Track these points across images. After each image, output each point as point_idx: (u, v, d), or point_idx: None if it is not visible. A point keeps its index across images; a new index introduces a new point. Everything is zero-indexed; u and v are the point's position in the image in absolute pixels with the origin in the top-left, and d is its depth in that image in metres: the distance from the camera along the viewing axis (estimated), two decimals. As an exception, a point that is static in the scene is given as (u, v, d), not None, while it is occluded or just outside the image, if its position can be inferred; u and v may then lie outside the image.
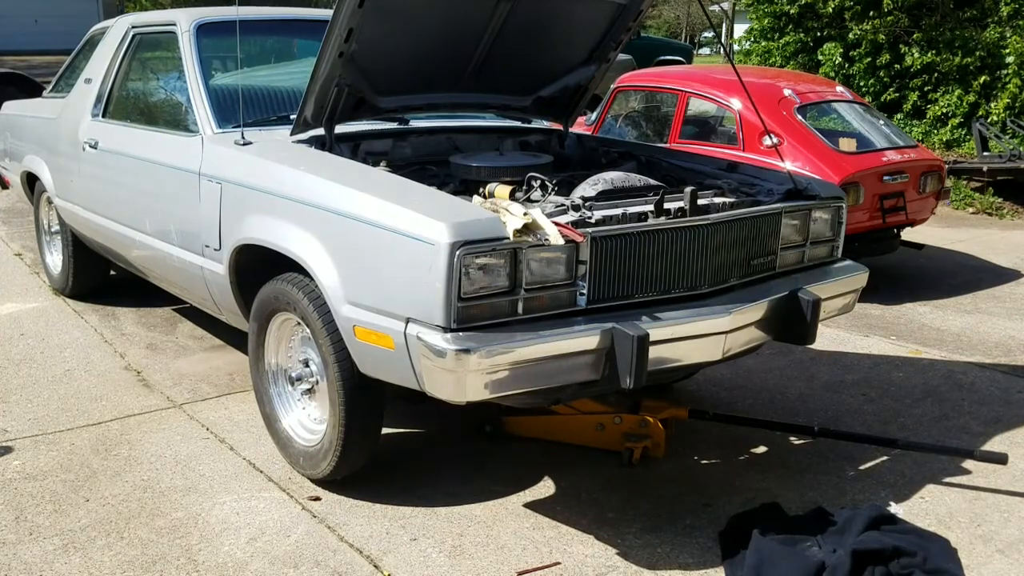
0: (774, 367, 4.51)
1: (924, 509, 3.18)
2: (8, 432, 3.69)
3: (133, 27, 4.74)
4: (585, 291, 2.77)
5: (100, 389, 4.15)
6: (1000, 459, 3.34)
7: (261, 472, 3.37)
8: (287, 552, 2.86)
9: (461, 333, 2.56)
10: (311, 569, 2.77)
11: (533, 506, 3.16)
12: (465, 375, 2.53)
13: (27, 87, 10.46)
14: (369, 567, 2.79)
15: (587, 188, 3.30)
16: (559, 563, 2.82)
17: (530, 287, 2.68)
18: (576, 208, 2.90)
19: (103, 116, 4.69)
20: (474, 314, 2.59)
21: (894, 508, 3.13)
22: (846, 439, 3.55)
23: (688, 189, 3.01)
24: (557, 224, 2.68)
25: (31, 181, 5.66)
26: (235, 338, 4.73)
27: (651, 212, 2.92)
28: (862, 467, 3.49)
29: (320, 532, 2.98)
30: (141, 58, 4.70)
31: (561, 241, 2.64)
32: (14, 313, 5.25)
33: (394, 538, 2.95)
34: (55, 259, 5.63)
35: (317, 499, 3.17)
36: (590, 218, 2.82)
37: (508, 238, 2.59)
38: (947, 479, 3.40)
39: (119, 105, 4.68)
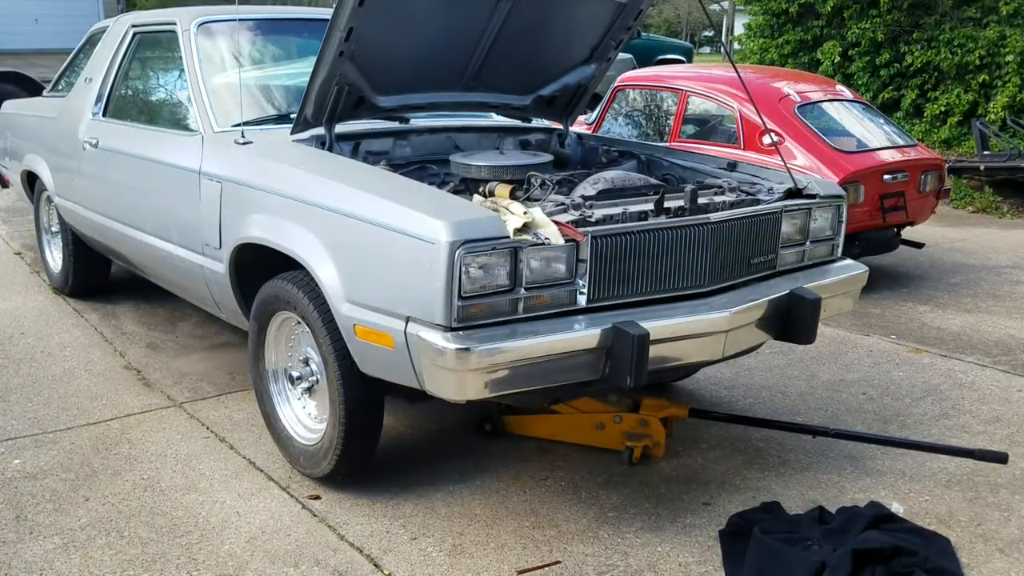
0: (774, 366, 4.51)
1: (924, 508, 3.18)
2: (8, 431, 3.69)
3: (133, 26, 4.74)
4: (585, 290, 2.77)
5: (100, 388, 4.15)
6: (1000, 458, 3.34)
7: (261, 471, 3.37)
8: (287, 551, 2.86)
9: (461, 332, 2.56)
10: (311, 568, 2.77)
11: (533, 505, 3.16)
12: (465, 374, 2.53)
13: (27, 86, 10.47)
14: (369, 566, 2.79)
15: (587, 187, 3.29)
16: (559, 562, 2.82)
17: (530, 286, 2.68)
18: (576, 207, 2.89)
19: (103, 115, 4.70)
20: (474, 313, 2.59)
21: (895, 507, 3.13)
22: (846, 438, 3.55)
23: (688, 188, 3.01)
24: (557, 223, 2.68)
25: (31, 180, 5.66)
26: (235, 337, 4.73)
27: (651, 211, 2.92)
28: (862, 466, 3.49)
29: (320, 531, 2.98)
30: (141, 57, 4.70)
31: (561, 240, 2.64)
32: (14, 312, 5.25)
33: (394, 537, 2.95)
34: (55, 258, 5.63)
35: (317, 498, 3.17)
36: (590, 217, 2.81)
37: (508, 237, 2.59)
38: (947, 478, 3.40)
39: (119, 104, 4.69)
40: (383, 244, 2.72)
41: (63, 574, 2.74)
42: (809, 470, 3.45)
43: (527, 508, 3.14)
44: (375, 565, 2.79)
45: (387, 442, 3.51)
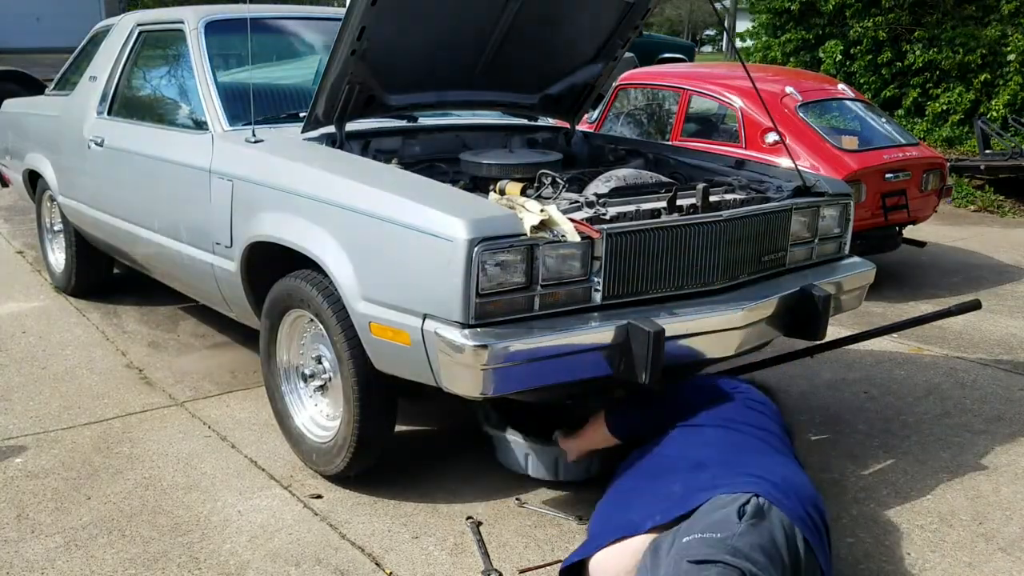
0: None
1: (926, 507, 3.18)
2: (10, 430, 3.69)
3: (139, 25, 4.74)
4: (600, 287, 2.78)
5: (102, 387, 4.15)
6: (974, 306, 3.63)
7: (263, 470, 3.37)
8: (289, 550, 2.86)
9: (479, 329, 2.57)
10: (313, 567, 2.77)
11: (534, 504, 3.16)
12: (483, 370, 2.54)
13: (29, 85, 10.46)
14: (371, 565, 2.79)
15: (600, 185, 3.31)
16: (561, 561, 2.82)
17: (546, 283, 2.69)
18: (590, 205, 2.91)
19: (109, 114, 4.69)
20: (491, 310, 2.60)
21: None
22: (843, 344, 3.73)
23: (700, 186, 3.03)
24: (573, 220, 2.69)
25: (33, 179, 5.65)
26: (237, 335, 4.73)
27: (664, 209, 2.93)
28: (863, 465, 3.49)
29: (322, 530, 2.98)
30: (148, 56, 4.70)
31: (578, 238, 2.65)
32: (16, 311, 5.25)
33: (396, 536, 2.95)
34: (57, 257, 5.62)
35: (319, 497, 3.17)
36: (604, 215, 2.83)
37: (525, 235, 2.60)
38: (949, 476, 3.40)
39: (125, 103, 4.68)
40: (400, 242, 2.72)
41: (65, 573, 2.74)
42: (810, 468, 3.43)
43: (528, 507, 3.14)
44: (376, 564, 2.79)
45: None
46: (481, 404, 3.31)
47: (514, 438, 3.22)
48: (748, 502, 2.32)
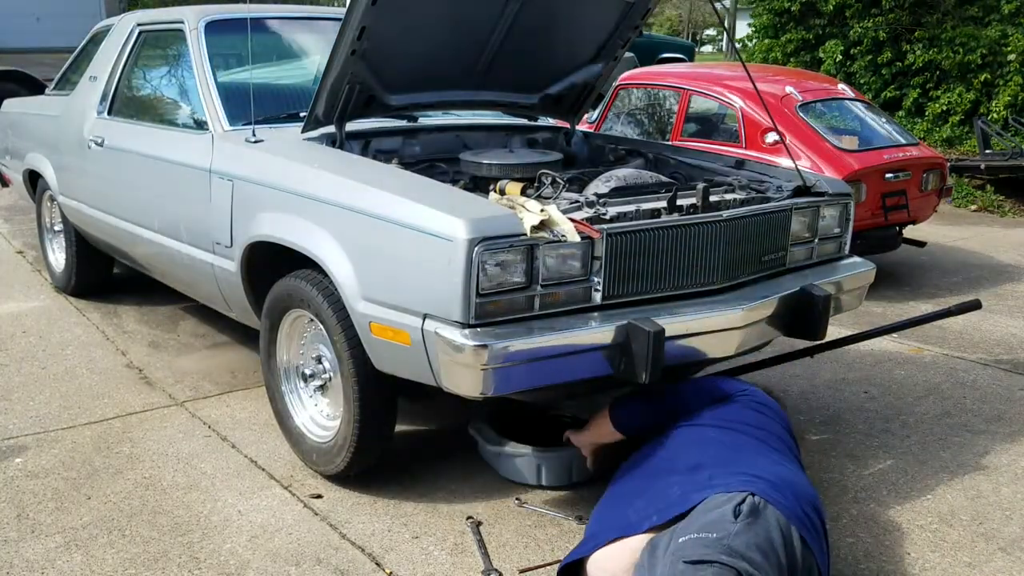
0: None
1: (926, 507, 3.18)
2: (10, 430, 3.69)
3: (139, 25, 4.74)
4: (600, 287, 2.78)
5: (102, 387, 4.15)
6: (974, 305, 3.67)
7: (263, 470, 3.37)
8: (289, 550, 2.86)
9: (479, 329, 2.58)
10: (313, 567, 2.77)
11: (534, 503, 3.16)
12: (483, 370, 2.55)
13: (29, 85, 10.46)
14: (371, 564, 2.79)
15: (600, 185, 3.31)
16: (561, 560, 2.82)
17: (546, 283, 2.69)
18: (590, 204, 2.91)
19: (109, 114, 4.69)
20: (491, 310, 2.61)
21: None
22: (843, 344, 3.73)
23: (700, 186, 3.04)
24: (573, 220, 2.69)
25: (33, 179, 5.65)
26: (237, 335, 4.73)
27: (664, 208, 2.93)
28: (864, 464, 3.49)
29: (322, 530, 2.98)
30: (148, 56, 4.70)
31: (577, 238, 2.65)
32: (16, 311, 5.25)
33: (396, 536, 2.95)
34: (57, 257, 5.62)
35: (319, 497, 3.17)
36: (604, 215, 2.83)
37: (525, 234, 2.60)
38: (949, 476, 3.40)
39: (125, 103, 4.68)
40: (400, 242, 2.72)
41: (65, 573, 2.74)
42: (810, 468, 3.44)
43: (528, 507, 3.14)
44: (377, 564, 2.79)
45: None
46: (476, 425, 3.32)
47: (521, 450, 3.22)
48: (744, 501, 2.32)
